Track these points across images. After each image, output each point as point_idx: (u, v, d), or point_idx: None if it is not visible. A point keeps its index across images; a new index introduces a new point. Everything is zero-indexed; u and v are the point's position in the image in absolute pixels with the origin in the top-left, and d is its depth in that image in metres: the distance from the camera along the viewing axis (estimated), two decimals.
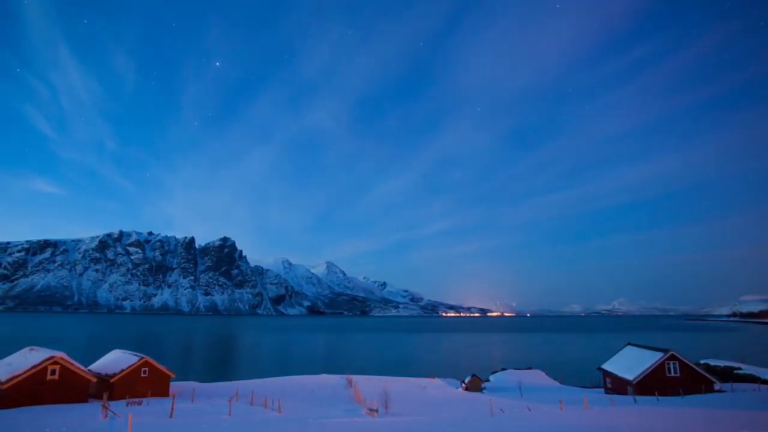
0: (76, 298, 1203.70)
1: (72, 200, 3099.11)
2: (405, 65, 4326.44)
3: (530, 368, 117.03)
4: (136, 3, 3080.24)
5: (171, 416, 50.03)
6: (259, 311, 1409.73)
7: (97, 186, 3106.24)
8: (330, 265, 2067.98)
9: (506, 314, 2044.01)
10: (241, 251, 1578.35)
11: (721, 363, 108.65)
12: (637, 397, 67.86)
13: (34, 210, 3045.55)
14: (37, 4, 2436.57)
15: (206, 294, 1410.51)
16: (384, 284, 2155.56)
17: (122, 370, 66.33)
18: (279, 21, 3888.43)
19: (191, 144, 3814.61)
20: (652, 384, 71.42)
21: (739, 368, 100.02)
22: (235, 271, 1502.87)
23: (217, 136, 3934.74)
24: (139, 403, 59.42)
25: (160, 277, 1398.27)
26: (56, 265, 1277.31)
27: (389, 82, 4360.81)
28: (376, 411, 59.84)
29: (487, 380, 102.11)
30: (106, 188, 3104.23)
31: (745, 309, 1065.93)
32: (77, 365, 60.71)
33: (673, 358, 73.14)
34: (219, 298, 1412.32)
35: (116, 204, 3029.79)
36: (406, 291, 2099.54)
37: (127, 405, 57.48)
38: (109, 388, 64.32)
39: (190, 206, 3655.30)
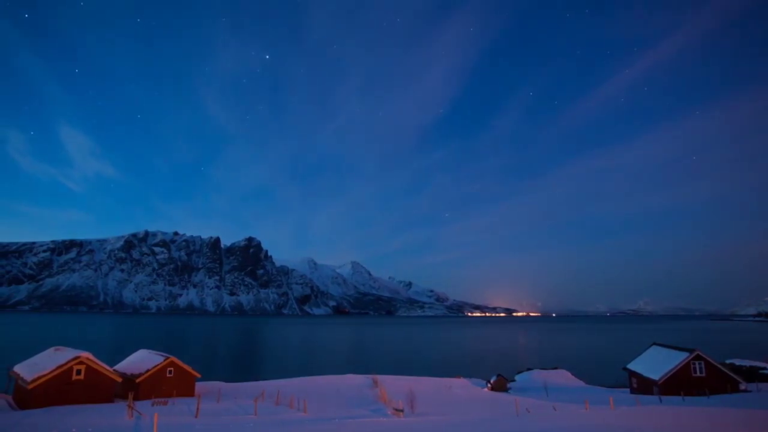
0: (101, 298, 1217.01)
1: (97, 213, 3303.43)
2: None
3: (556, 368, 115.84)
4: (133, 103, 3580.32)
5: (196, 416, 50.40)
6: (285, 311, 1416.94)
7: (121, 195, 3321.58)
8: (355, 265, 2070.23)
9: (531, 314, 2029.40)
10: (266, 251, 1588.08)
11: (747, 363, 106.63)
12: (663, 397, 67.06)
13: (60, 213, 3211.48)
14: (71, 122, 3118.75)
15: (232, 294, 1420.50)
16: (409, 284, 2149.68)
17: (148, 370, 66.80)
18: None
19: (216, 148, 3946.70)
20: (678, 384, 70.55)
21: (765, 368, 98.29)
22: (261, 271, 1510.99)
23: (235, 141, 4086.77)
24: (165, 403, 59.78)
25: (186, 276, 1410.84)
26: (82, 265, 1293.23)
27: None
28: (402, 411, 59.78)
29: (513, 380, 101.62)
30: (129, 198, 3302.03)
31: None
32: (103, 365, 61.08)
33: (698, 358, 72.16)
34: (244, 298, 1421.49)
35: (141, 210, 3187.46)
36: (431, 291, 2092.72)
37: (152, 405, 57.97)
38: (135, 388, 64.95)
39: (216, 207, 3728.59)
